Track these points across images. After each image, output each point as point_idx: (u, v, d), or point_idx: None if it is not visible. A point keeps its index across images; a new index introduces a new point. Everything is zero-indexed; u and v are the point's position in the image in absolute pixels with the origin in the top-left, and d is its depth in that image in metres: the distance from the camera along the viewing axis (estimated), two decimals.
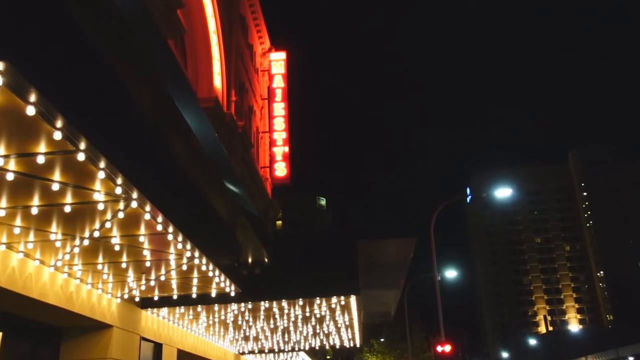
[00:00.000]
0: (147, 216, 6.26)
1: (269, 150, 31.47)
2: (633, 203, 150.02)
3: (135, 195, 5.80)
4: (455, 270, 44.49)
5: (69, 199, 5.83)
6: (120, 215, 6.19)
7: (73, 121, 4.36)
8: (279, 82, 31.88)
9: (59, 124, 4.33)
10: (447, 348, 24.01)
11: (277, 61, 32.41)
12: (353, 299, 12.00)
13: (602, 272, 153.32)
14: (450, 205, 25.75)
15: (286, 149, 30.94)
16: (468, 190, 43.22)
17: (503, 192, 26.51)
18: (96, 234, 6.73)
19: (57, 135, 4.41)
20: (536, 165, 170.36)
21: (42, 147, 4.71)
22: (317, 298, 11.69)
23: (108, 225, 6.49)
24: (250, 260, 10.38)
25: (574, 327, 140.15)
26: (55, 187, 5.37)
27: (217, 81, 21.66)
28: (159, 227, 6.62)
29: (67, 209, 5.93)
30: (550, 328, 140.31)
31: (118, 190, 5.54)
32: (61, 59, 4.33)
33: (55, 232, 6.73)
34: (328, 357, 34.49)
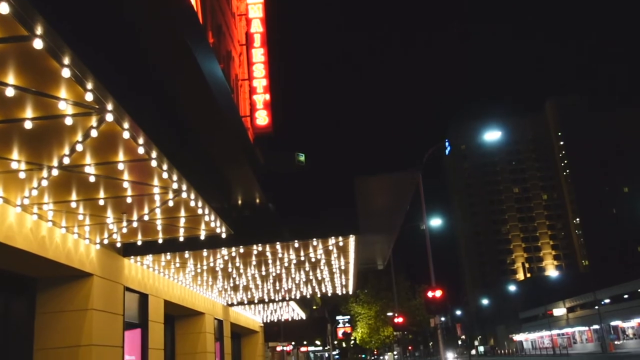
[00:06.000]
0: (126, 135, 5.27)
1: (249, 98, 30.20)
2: (609, 151, 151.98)
3: (110, 106, 4.81)
4: (439, 218, 44.42)
5: (29, 112, 4.83)
6: (94, 134, 5.20)
7: None
8: (257, 27, 30.28)
9: None
10: (438, 293, 23.67)
11: (255, 4, 30.74)
12: (352, 240, 11.27)
13: (578, 220, 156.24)
14: (427, 158, 25.08)
15: (267, 96, 29.66)
16: (447, 142, 42.58)
17: (492, 135, 25.84)
18: (66, 161, 5.74)
19: (3, 9, 3.38)
20: (514, 115, 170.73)
21: None
22: (314, 240, 10.92)
23: (79, 148, 5.49)
24: (242, 198, 9.50)
25: (551, 272, 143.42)
26: (10, 92, 4.35)
27: None
28: (141, 151, 5.65)
29: (28, 125, 4.93)
30: (528, 275, 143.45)
31: (89, 97, 4.54)
32: None
33: (17, 159, 5.73)
34: (314, 307, 34.21)
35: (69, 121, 4.92)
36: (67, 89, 4.47)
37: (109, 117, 4.89)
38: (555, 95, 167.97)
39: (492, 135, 25.91)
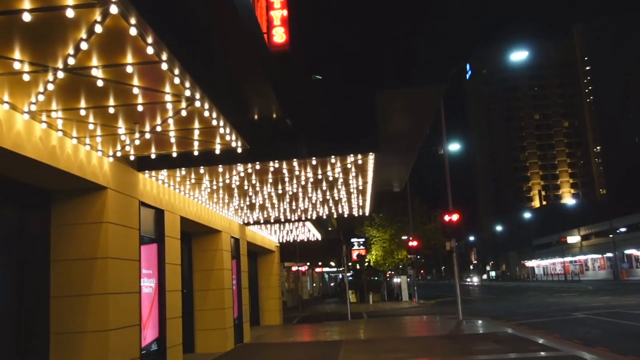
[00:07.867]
0: (133, 31, 4.86)
1: (266, 15, 29.11)
2: (635, 78, 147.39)
3: None
4: (457, 144, 43.78)
5: (27, 3, 4.42)
6: (98, 29, 4.79)
7: None
8: None
9: None
10: (455, 217, 23.58)
11: None
12: (371, 158, 10.94)
13: (598, 148, 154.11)
14: (451, 76, 24.20)
15: (285, 12, 28.48)
16: (468, 66, 41.06)
17: (519, 55, 24.82)
18: (71, 62, 5.36)
19: None
20: (538, 40, 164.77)
21: None
22: (332, 157, 10.61)
23: (84, 47, 5.10)
24: (259, 112, 9.12)
25: (568, 201, 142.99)
26: None
27: None
28: (150, 51, 5.25)
29: (27, 17, 4.53)
30: (544, 202, 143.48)
31: None
32: None
33: (20, 59, 5.37)
34: (330, 228, 34.46)
35: (70, 13, 4.51)
36: None
37: (114, 9, 4.47)
38: (584, 19, 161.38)
39: (519, 56, 24.91)
